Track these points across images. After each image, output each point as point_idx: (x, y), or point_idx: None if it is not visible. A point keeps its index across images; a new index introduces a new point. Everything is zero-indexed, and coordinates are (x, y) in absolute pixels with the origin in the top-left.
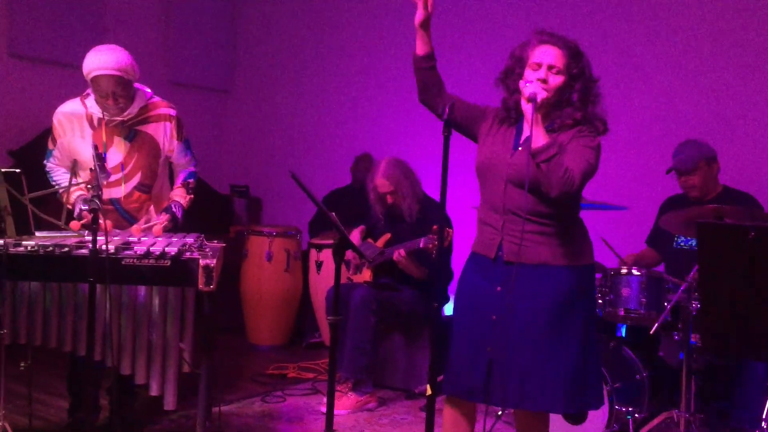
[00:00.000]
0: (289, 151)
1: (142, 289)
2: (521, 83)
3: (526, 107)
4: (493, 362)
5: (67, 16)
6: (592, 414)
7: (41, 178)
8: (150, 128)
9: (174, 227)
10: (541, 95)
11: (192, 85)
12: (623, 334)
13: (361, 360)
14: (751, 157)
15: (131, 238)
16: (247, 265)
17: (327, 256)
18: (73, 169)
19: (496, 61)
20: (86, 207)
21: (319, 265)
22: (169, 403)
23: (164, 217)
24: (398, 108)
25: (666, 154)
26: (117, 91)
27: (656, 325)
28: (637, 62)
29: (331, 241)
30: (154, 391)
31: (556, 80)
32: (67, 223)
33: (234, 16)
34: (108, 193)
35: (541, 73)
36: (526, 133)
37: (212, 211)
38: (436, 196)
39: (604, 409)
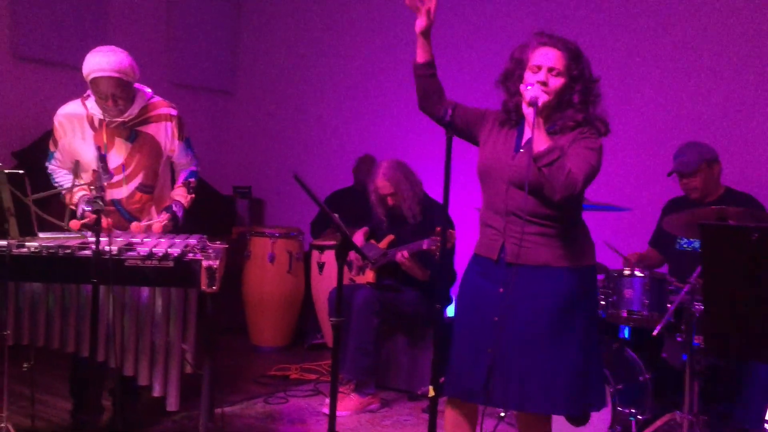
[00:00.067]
0: (291, 152)
1: (145, 290)
2: (522, 87)
3: (528, 111)
4: (495, 364)
5: (69, 17)
6: (594, 415)
7: (44, 179)
8: (151, 128)
9: (174, 226)
10: (542, 99)
11: (194, 87)
12: (626, 336)
13: (363, 361)
14: (754, 159)
15: (134, 239)
16: (249, 267)
17: (329, 257)
18: (75, 170)
19: (495, 63)
20: (89, 208)
21: (321, 266)
22: (172, 404)
23: (164, 216)
24: (400, 109)
25: (669, 155)
26: (116, 92)
27: (659, 326)
28: (639, 63)
29: (333, 243)
30: (156, 392)
31: (557, 82)
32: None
33: (236, 17)
34: (110, 194)
35: (542, 75)
36: (527, 134)
37: (215, 213)
38: (438, 197)
39: (607, 410)
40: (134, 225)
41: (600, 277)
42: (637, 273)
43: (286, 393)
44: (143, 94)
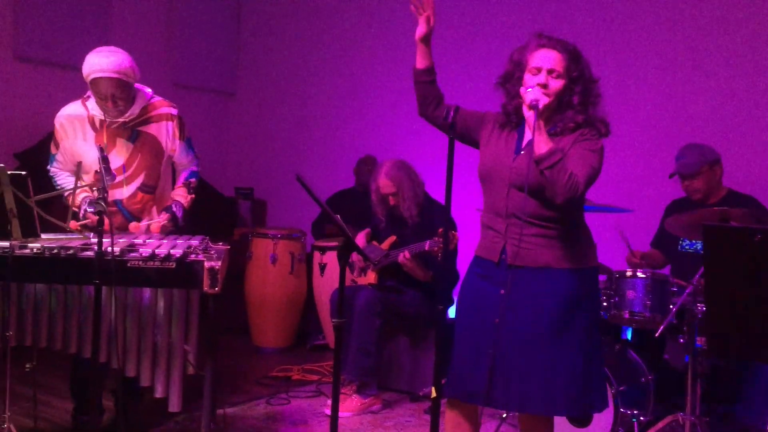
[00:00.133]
0: (292, 153)
1: (147, 291)
2: (522, 90)
3: (528, 114)
4: (496, 365)
5: (71, 18)
6: (597, 417)
7: (46, 180)
8: (152, 128)
9: (174, 227)
10: (543, 101)
11: (196, 88)
12: (628, 337)
13: (365, 362)
14: (756, 160)
15: (136, 241)
16: (251, 268)
17: (331, 258)
18: (78, 172)
19: (494, 65)
20: (92, 209)
21: (323, 267)
22: (174, 405)
23: (164, 216)
24: (401, 110)
25: (670, 156)
26: (116, 93)
27: (661, 328)
28: (641, 64)
29: (335, 243)
30: (158, 393)
31: (557, 84)
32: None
33: (238, 18)
34: (111, 195)
35: (542, 77)
36: (527, 136)
37: (217, 214)
38: (440, 198)
39: (609, 412)
40: (132, 225)
41: (602, 278)
42: (640, 274)
43: (288, 394)
44: (144, 95)
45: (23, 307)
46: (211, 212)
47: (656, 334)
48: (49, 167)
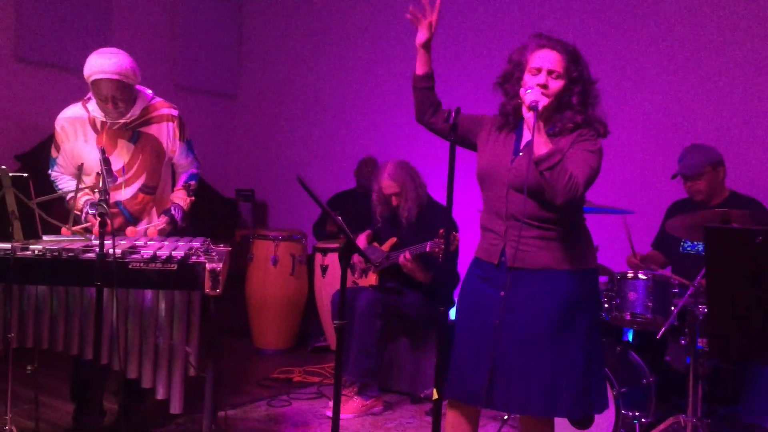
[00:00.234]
0: (294, 155)
1: (148, 293)
2: (521, 91)
3: (528, 115)
4: (496, 367)
5: (73, 20)
6: (598, 418)
7: (48, 182)
8: (153, 129)
9: (173, 230)
10: (543, 102)
11: (198, 90)
12: (630, 339)
13: (366, 364)
14: (758, 162)
15: (138, 242)
16: (252, 269)
17: (332, 259)
18: (79, 174)
19: (493, 66)
20: (94, 211)
21: (324, 269)
22: (175, 406)
23: (162, 220)
24: (402, 112)
25: (672, 157)
26: (117, 94)
27: (663, 329)
28: (643, 65)
29: (336, 245)
30: (160, 395)
31: (556, 85)
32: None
33: (239, 20)
34: (112, 196)
35: (541, 78)
36: (525, 137)
37: (218, 215)
38: (441, 200)
39: (611, 413)
40: (129, 230)
41: (603, 279)
42: (641, 275)
43: (289, 396)
44: (144, 96)
45: (25, 308)
46: (213, 214)
47: (658, 336)
48: (49, 171)
